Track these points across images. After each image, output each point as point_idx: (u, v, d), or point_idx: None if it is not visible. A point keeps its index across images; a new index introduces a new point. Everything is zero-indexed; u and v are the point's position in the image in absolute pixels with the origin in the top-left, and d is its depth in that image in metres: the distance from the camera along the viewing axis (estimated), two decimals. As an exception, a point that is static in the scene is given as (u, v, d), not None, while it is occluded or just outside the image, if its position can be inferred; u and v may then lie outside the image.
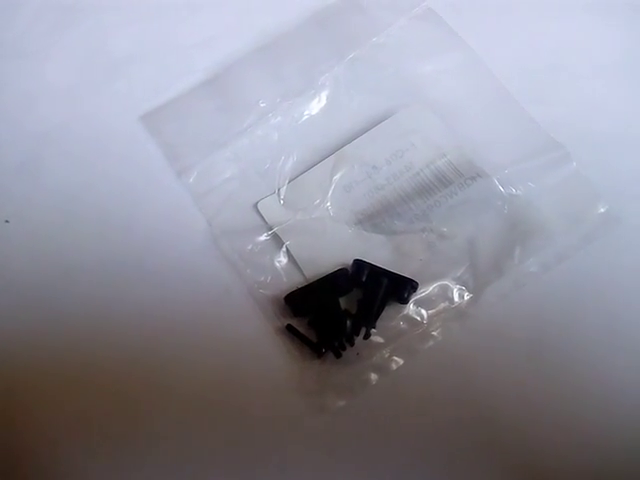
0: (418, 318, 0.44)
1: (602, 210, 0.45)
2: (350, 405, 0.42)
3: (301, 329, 0.43)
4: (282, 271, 0.45)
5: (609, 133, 0.48)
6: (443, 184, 0.47)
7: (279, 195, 0.47)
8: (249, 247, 0.46)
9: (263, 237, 0.46)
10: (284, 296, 0.43)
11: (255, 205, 0.47)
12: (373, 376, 0.43)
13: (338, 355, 0.42)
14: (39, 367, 0.43)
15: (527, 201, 0.46)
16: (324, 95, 0.50)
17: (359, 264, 0.44)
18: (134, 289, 0.45)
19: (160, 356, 0.43)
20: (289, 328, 0.43)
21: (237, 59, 0.51)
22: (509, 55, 0.52)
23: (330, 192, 0.47)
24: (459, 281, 0.45)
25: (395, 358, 0.43)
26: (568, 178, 0.46)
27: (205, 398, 0.43)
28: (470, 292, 0.44)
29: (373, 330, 0.43)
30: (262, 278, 0.45)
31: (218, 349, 0.43)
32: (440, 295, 0.44)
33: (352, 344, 0.42)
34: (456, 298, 0.44)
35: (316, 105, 0.50)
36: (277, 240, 0.46)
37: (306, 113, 0.49)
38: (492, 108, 0.49)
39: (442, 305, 0.44)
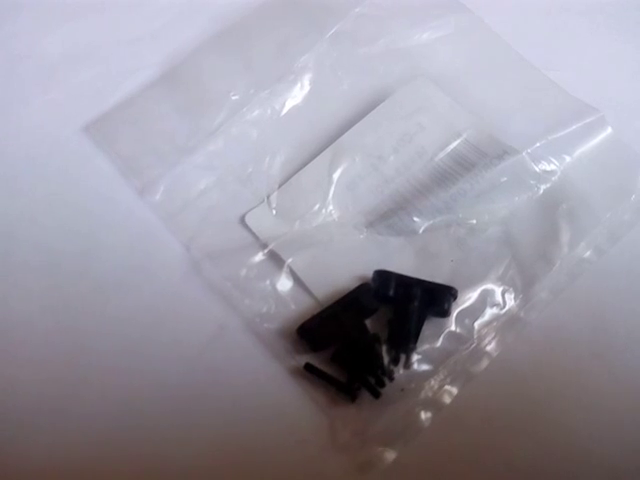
0: (465, 333, 0.36)
1: (651, 177, 0.39)
2: (401, 457, 0.33)
3: (324, 367, 0.34)
4: (288, 297, 0.36)
5: (634, 93, 0.43)
6: (465, 168, 0.39)
7: (269, 204, 0.39)
8: (242, 272, 0.37)
9: (258, 257, 0.37)
10: (296, 328, 0.35)
11: (242, 219, 0.38)
12: (424, 415, 0.34)
13: (377, 395, 0.34)
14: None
15: (564, 176, 0.39)
16: (307, 79, 0.42)
17: (383, 275, 0.36)
18: (98, 344, 0.36)
19: (143, 427, 0.35)
20: (308, 367, 0.34)
21: (195, 48, 0.44)
22: (510, 16, 0.45)
23: (331, 193, 0.39)
24: (503, 281, 0.37)
25: (448, 388, 0.34)
26: (606, 145, 0.39)
27: (212, 470, 0.34)
28: (519, 292, 0.36)
29: (414, 356, 0.35)
30: (264, 309, 0.36)
31: (219, 406, 0.35)
32: (485, 301, 0.36)
33: (391, 378, 0.34)
34: (504, 302, 0.37)
35: (299, 92, 0.42)
36: (276, 259, 0.37)
37: (288, 103, 0.41)
38: (506, 74, 0.42)
39: (490, 312, 0.36)
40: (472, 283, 0.36)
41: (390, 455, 0.33)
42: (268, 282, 0.37)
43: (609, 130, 0.39)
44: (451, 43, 0.42)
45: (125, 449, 0.33)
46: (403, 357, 0.34)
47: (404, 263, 0.37)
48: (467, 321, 0.36)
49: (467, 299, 0.36)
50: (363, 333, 0.34)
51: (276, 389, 0.34)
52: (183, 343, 0.35)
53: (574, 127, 0.39)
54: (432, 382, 0.34)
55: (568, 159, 0.39)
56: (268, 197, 0.39)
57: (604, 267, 0.37)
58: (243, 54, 0.43)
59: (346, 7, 0.44)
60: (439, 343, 0.35)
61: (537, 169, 0.38)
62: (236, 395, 0.34)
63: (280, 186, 0.39)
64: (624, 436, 0.35)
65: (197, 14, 0.45)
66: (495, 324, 0.35)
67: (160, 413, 0.34)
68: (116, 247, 0.38)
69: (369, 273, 0.36)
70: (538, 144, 0.38)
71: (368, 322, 0.35)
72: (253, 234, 0.38)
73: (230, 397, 0.34)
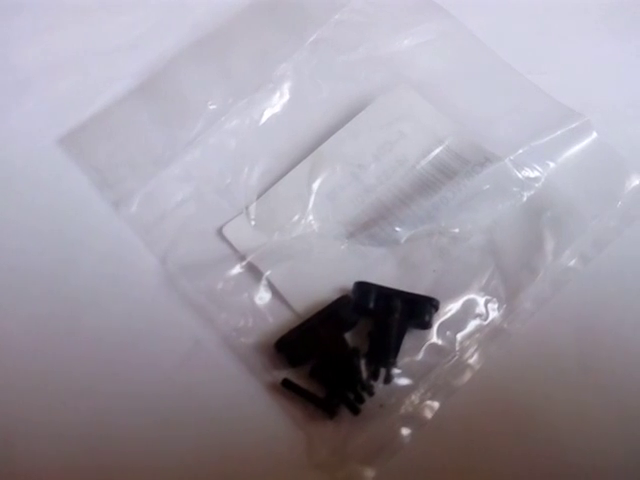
0: (447, 345, 0.35)
1: (637, 182, 0.37)
2: (381, 475, 0.32)
3: (302, 383, 0.33)
4: (266, 310, 0.36)
5: (620, 97, 0.42)
6: (447, 176, 0.38)
7: (248, 215, 0.38)
8: (219, 285, 0.36)
9: (236, 270, 0.37)
10: (274, 342, 0.34)
11: (219, 231, 0.38)
12: (405, 431, 0.33)
13: (356, 411, 0.33)
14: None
15: (549, 183, 0.38)
16: (286, 88, 0.41)
17: (363, 287, 0.35)
18: (70, 360, 0.35)
19: (116, 447, 0.33)
20: (286, 383, 0.34)
21: (172, 58, 0.43)
22: (493, 20, 0.44)
23: (311, 203, 0.38)
24: (486, 291, 0.36)
25: (429, 403, 0.34)
26: (592, 150, 0.39)
27: None
28: (502, 302, 0.36)
29: (395, 370, 0.34)
30: (241, 323, 0.35)
31: (194, 423, 0.34)
32: (467, 312, 0.36)
33: (371, 393, 0.33)
34: (487, 312, 0.36)
35: (278, 101, 0.41)
36: (254, 271, 0.37)
37: (267, 112, 0.41)
38: (489, 80, 0.41)
39: (472, 324, 0.35)
40: (454, 294, 0.36)
41: (369, 473, 0.32)
42: (246, 295, 0.36)
43: (594, 135, 0.38)
44: (433, 49, 0.42)
45: (96, 470, 0.32)
46: (383, 371, 0.33)
47: (386, 274, 0.36)
48: (449, 333, 0.35)
49: (449, 310, 0.35)
50: (342, 347, 0.34)
51: (252, 405, 0.33)
52: (158, 358, 0.35)
53: (558, 132, 0.38)
54: (413, 397, 0.33)
55: (552, 165, 0.38)
56: (246, 208, 0.38)
57: (590, 275, 0.36)
58: (221, 63, 0.42)
59: (325, 14, 0.43)
60: (420, 356, 0.34)
61: (520, 176, 0.38)
62: (212, 412, 0.34)
63: (259, 197, 0.38)
64: (612, 450, 0.34)
65: (175, 23, 0.45)
66: (478, 336, 0.35)
67: (134, 432, 0.33)
68: (90, 261, 0.37)
69: (350, 285, 0.35)
70: (521, 150, 0.38)
71: (348, 335, 0.34)
72: (231, 246, 0.37)
73: (205, 414, 0.34)
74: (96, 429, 0.33)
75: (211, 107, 0.40)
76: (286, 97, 0.41)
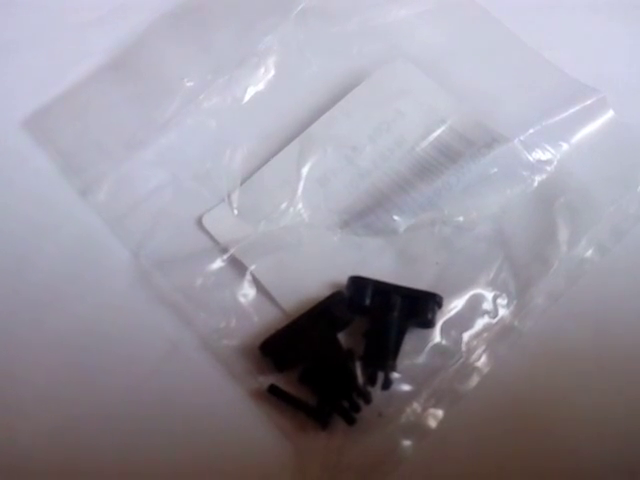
0: (452, 346, 0.32)
1: (658, 165, 0.36)
2: None
3: (290, 389, 0.31)
4: (251, 309, 0.33)
5: (638, 73, 0.40)
6: (450, 159, 0.36)
7: (230, 203, 0.36)
8: (198, 281, 0.34)
9: (216, 264, 0.34)
10: (259, 344, 0.32)
11: (198, 221, 0.35)
12: (406, 443, 0.30)
13: (351, 421, 0.31)
14: None
15: (561, 166, 0.36)
16: (271, 63, 0.39)
17: (358, 282, 0.33)
18: (33, 364, 0.33)
19: (83, 458, 0.31)
20: (272, 390, 0.32)
21: (145, 31, 0.41)
22: None
23: (300, 190, 0.36)
24: (495, 286, 0.34)
25: (432, 411, 0.31)
26: (608, 130, 0.36)
27: None
28: (513, 298, 0.33)
29: (394, 374, 0.31)
30: (223, 323, 0.33)
31: (171, 434, 0.32)
32: (474, 309, 0.33)
33: (368, 401, 0.31)
34: (496, 309, 0.33)
35: (262, 77, 0.39)
36: (237, 266, 0.34)
37: (250, 89, 0.38)
38: (495, 54, 0.38)
39: (480, 322, 0.33)
40: (459, 289, 0.33)
41: None
42: (228, 292, 0.34)
43: (611, 113, 0.36)
44: (433, 19, 0.39)
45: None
46: (381, 376, 0.31)
47: (383, 267, 0.34)
48: (454, 332, 0.33)
49: (454, 307, 0.33)
50: (335, 349, 0.32)
51: (236, 414, 0.31)
52: (130, 363, 0.32)
53: (572, 111, 0.36)
54: (414, 404, 0.31)
55: (565, 147, 0.36)
56: (229, 196, 0.36)
57: (608, 267, 0.34)
58: (199, 36, 0.40)
59: (314, -20, 0.40)
60: (422, 359, 0.32)
61: (531, 158, 0.35)
62: (190, 422, 0.31)
63: (242, 183, 0.36)
64: (634, 459, 0.31)
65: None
66: (486, 335, 0.33)
67: (101, 445, 0.31)
68: (55, 254, 0.35)
69: (343, 280, 0.33)
70: (532, 130, 0.35)
71: (341, 336, 0.32)
72: (211, 238, 0.35)
73: (183, 425, 0.31)
74: (60, 440, 0.31)
75: (188, 84, 0.38)
76: (271, 73, 0.39)
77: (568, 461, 0.31)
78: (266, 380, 0.32)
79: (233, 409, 0.31)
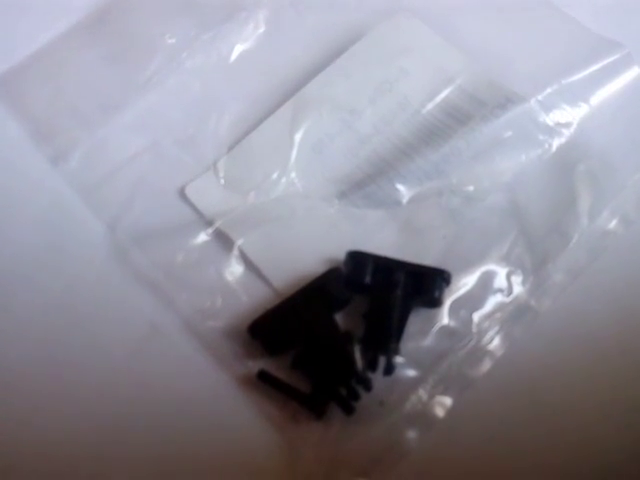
0: (461, 327, 0.30)
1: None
2: None
3: (282, 375, 0.29)
4: (238, 287, 0.31)
5: None
6: (459, 122, 0.34)
7: (216, 172, 0.34)
8: (180, 257, 0.32)
9: (200, 238, 0.32)
10: (247, 326, 0.30)
11: (181, 191, 0.34)
12: (411, 434, 0.28)
13: (349, 411, 0.29)
14: None
15: (582, 129, 0.34)
16: (261, 17, 0.37)
17: (357, 258, 0.31)
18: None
19: (56, 449, 0.29)
20: (262, 376, 0.30)
21: None
22: None
23: (293, 157, 0.34)
24: (509, 261, 0.32)
25: (440, 399, 0.29)
26: (633, 89, 0.35)
27: None
28: (528, 275, 0.31)
29: (397, 358, 0.30)
30: (208, 303, 0.31)
31: (151, 425, 0.30)
32: (485, 286, 0.31)
33: (368, 388, 0.29)
34: (510, 287, 0.32)
35: (252, 33, 0.37)
36: (223, 240, 0.32)
37: (238, 47, 0.37)
38: (509, 6, 0.37)
39: (492, 301, 0.31)
40: (469, 265, 0.31)
41: None
42: (213, 269, 0.32)
43: (636, 70, 0.34)
44: None
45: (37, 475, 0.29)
46: (382, 361, 0.29)
47: (385, 241, 0.32)
48: (463, 312, 0.31)
49: (463, 285, 0.31)
50: (332, 331, 0.30)
51: (221, 403, 0.29)
52: (106, 346, 0.31)
53: (593, 68, 0.34)
54: (420, 392, 0.29)
55: (586, 108, 0.34)
56: (214, 164, 0.34)
57: (633, 240, 0.32)
58: (182, -12, 0.38)
59: None
60: (429, 341, 0.30)
61: (548, 121, 0.34)
62: (171, 411, 0.29)
63: (229, 150, 0.34)
64: None
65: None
66: (499, 315, 0.31)
67: (77, 433, 0.29)
68: (23, 228, 0.33)
69: (341, 255, 0.31)
70: (549, 90, 0.34)
71: (339, 317, 0.30)
72: (195, 209, 0.33)
73: (164, 414, 0.30)
74: (30, 429, 0.30)
75: (170, 41, 0.36)
76: (261, 28, 0.37)
77: (589, 451, 0.29)
78: (255, 365, 0.30)
79: (218, 397, 0.30)
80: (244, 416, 0.29)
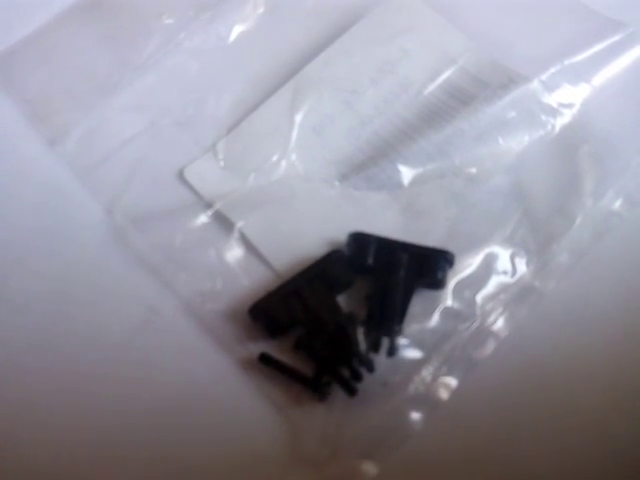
0: (465, 308, 0.31)
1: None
2: (384, 472, 0.27)
3: (284, 357, 0.29)
4: (239, 269, 0.31)
5: None
6: (462, 102, 0.35)
7: (215, 154, 0.34)
8: (179, 239, 0.32)
9: (200, 220, 0.32)
10: (248, 308, 0.30)
11: (180, 173, 0.34)
12: (414, 415, 0.28)
13: (352, 392, 0.29)
14: None
15: (585, 110, 0.34)
16: None
17: (359, 239, 0.31)
18: None
19: (54, 437, 0.29)
20: (264, 358, 0.29)
21: None
22: None
23: (293, 139, 0.34)
24: (512, 242, 0.32)
25: (444, 380, 0.29)
26: (637, 69, 0.35)
27: None
28: (532, 256, 0.32)
29: (401, 340, 0.30)
30: (208, 285, 0.31)
31: (151, 409, 0.29)
32: (489, 268, 0.31)
33: (371, 369, 0.29)
34: (514, 268, 0.32)
35: (251, 13, 0.37)
36: (223, 222, 0.32)
37: (237, 27, 0.37)
38: None
39: (496, 282, 0.31)
40: (473, 246, 0.32)
41: (370, 469, 0.28)
42: (213, 251, 0.32)
43: None
44: None
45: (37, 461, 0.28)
46: (386, 342, 0.29)
47: (387, 223, 0.32)
48: (467, 293, 0.31)
49: (467, 266, 0.31)
50: (334, 312, 0.30)
51: (223, 386, 0.29)
52: (104, 330, 0.31)
53: (597, 48, 0.35)
54: (423, 373, 0.29)
55: (589, 88, 0.34)
56: (214, 145, 0.34)
57: (637, 221, 0.32)
58: (179, -33, 0.38)
59: None
60: (432, 323, 0.30)
61: (552, 101, 0.34)
62: (173, 395, 0.29)
63: (229, 131, 0.34)
64: None
65: None
66: (503, 297, 0.31)
67: (76, 419, 0.29)
68: (20, 210, 0.33)
69: (343, 237, 0.31)
70: (553, 70, 0.34)
71: (341, 299, 0.30)
72: (194, 191, 0.33)
73: (165, 398, 0.29)
74: (29, 414, 0.29)
75: (167, 21, 0.36)
76: (261, 8, 0.37)
77: (593, 433, 0.29)
78: (257, 348, 0.30)
79: (220, 380, 0.30)
80: (246, 399, 0.29)
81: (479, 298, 0.31)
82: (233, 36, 0.37)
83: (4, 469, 0.29)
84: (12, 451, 0.29)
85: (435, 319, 0.31)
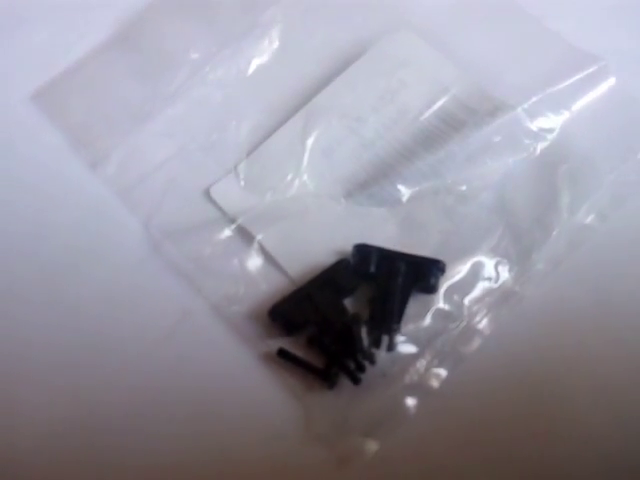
0: (454, 310, 0.34)
1: (660, 132, 0.36)
2: (385, 448, 0.31)
3: (299, 352, 0.33)
4: (259, 276, 0.35)
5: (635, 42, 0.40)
6: (453, 128, 0.37)
7: (237, 174, 0.37)
8: (207, 250, 0.35)
9: (225, 234, 0.35)
10: (268, 310, 0.33)
11: (206, 192, 0.36)
12: (410, 401, 0.32)
13: (356, 380, 0.32)
14: None
15: (564, 134, 0.36)
16: (275, 33, 0.40)
17: (363, 250, 0.34)
18: (47, 335, 0.34)
19: (99, 427, 0.32)
20: (282, 353, 0.33)
21: (149, 3, 0.42)
22: None
23: (305, 160, 0.37)
24: (496, 252, 0.35)
25: (435, 371, 0.33)
26: (610, 98, 0.37)
27: (176, 468, 0.32)
28: (514, 264, 0.34)
29: (398, 337, 0.33)
30: (232, 290, 0.34)
31: (185, 398, 0.33)
32: (476, 274, 0.34)
33: (373, 362, 0.32)
34: (498, 275, 0.34)
35: (267, 48, 0.40)
36: (244, 235, 0.35)
37: (255, 61, 0.39)
38: (498, 22, 0.39)
39: (481, 287, 0.34)
40: (462, 255, 0.34)
41: (372, 446, 0.31)
42: (236, 261, 0.35)
43: (612, 81, 0.37)
44: None
45: (77, 450, 0.32)
46: (386, 339, 0.32)
47: (387, 236, 0.35)
48: (456, 297, 0.33)
49: (456, 273, 0.34)
50: (342, 314, 0.33)
51: (247, 377, 0.33)
52: (143, 331, 0.34)
53: (574, 78, 0.36)
54: (418, 365, 0.32)
55: (567, 114, 0.37)
56: (235, 167, 0.37)
57: (608, 233, 0.35)
58: (203, 8, 0.40)
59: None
60: (426, 322, 0.33)
61: (533, 127, 0.36)
62: (203, 385, 0.33)
63: (248, 154, 0.37)
64: (636, 423, 0.32)
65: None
66: (488, 299, 0.33)
67: (119, 411, 0.32)
68: (66, 227, 0.36)
69: (348, 248, 0.34)
70: (534, 99, 0.36)
71: (347, 302, 0.33)
72: (219, 208, 0.36)
73: (197, 388, 0.33)
74: (77, 407, 0.32)
75: (193, 56, 0.39)
76: (275, 44, 0.39)
77: (566, 420, 0.32)
78: (275, 344, 0.33)
79: (244, 371, 0.33)
80: (267, 387, 0.32)
81: (467, 301, 0.34)
82: (252, 69, 0.39)
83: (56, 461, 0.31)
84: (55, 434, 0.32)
85: (428, 319, 0.33)
